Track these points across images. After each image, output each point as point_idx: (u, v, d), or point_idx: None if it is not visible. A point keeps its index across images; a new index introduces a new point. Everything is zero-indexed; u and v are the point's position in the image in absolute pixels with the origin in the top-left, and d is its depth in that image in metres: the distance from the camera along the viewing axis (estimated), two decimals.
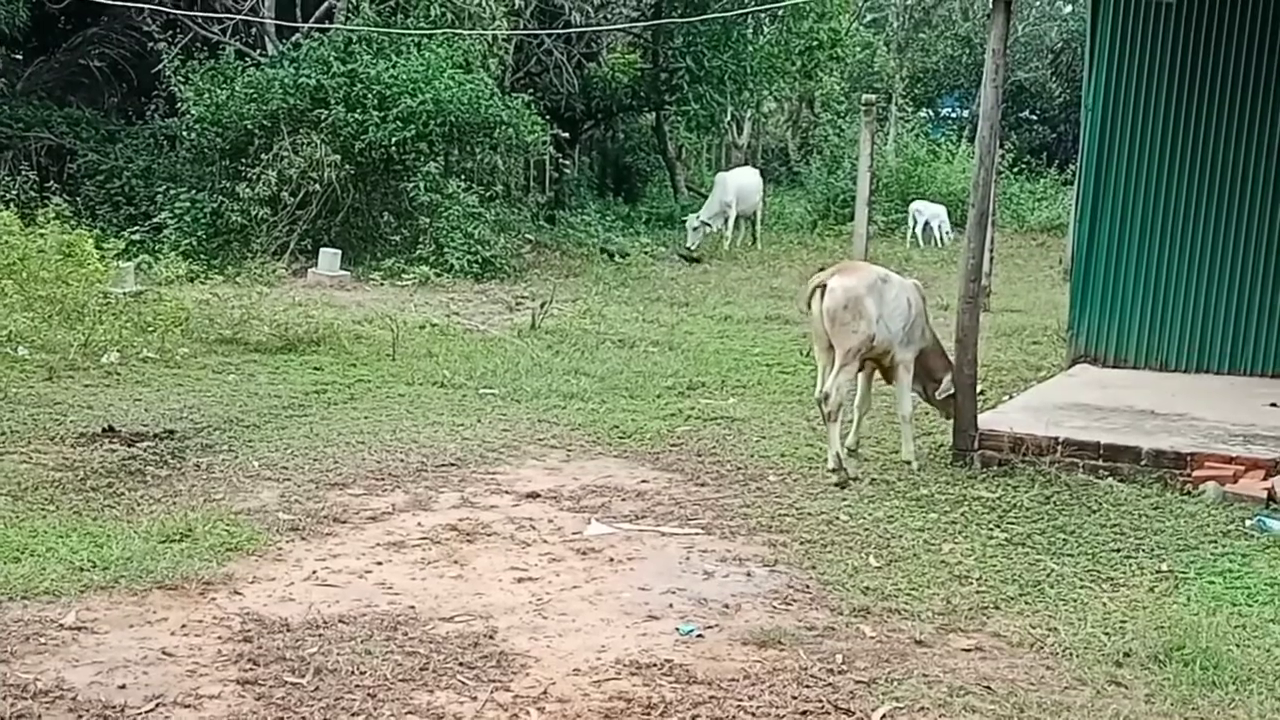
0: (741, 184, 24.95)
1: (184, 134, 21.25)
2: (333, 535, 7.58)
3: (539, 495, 8.53)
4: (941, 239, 26.70)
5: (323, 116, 19.97)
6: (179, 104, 21.04)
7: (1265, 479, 8.67)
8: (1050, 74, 39.33)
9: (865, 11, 39.08)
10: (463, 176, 21.06)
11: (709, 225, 24.18)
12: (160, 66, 21.71)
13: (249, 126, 20.28)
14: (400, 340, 13.81)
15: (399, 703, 5.32)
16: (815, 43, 28.52)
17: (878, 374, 9.81)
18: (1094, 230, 12.48)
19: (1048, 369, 13.21)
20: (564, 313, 16.42)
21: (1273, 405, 10.68)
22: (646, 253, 23.26)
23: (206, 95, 20.49)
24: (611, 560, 7.27)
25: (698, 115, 27.64)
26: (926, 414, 10.46)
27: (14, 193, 18.55)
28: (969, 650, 6.04)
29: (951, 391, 9.58)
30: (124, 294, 14.45)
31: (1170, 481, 8.78)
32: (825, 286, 9.08)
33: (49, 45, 24.18)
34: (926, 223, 27.01)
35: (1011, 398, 11.39)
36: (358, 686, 5.45)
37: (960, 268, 10.06)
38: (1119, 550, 7.57)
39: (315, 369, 12.72)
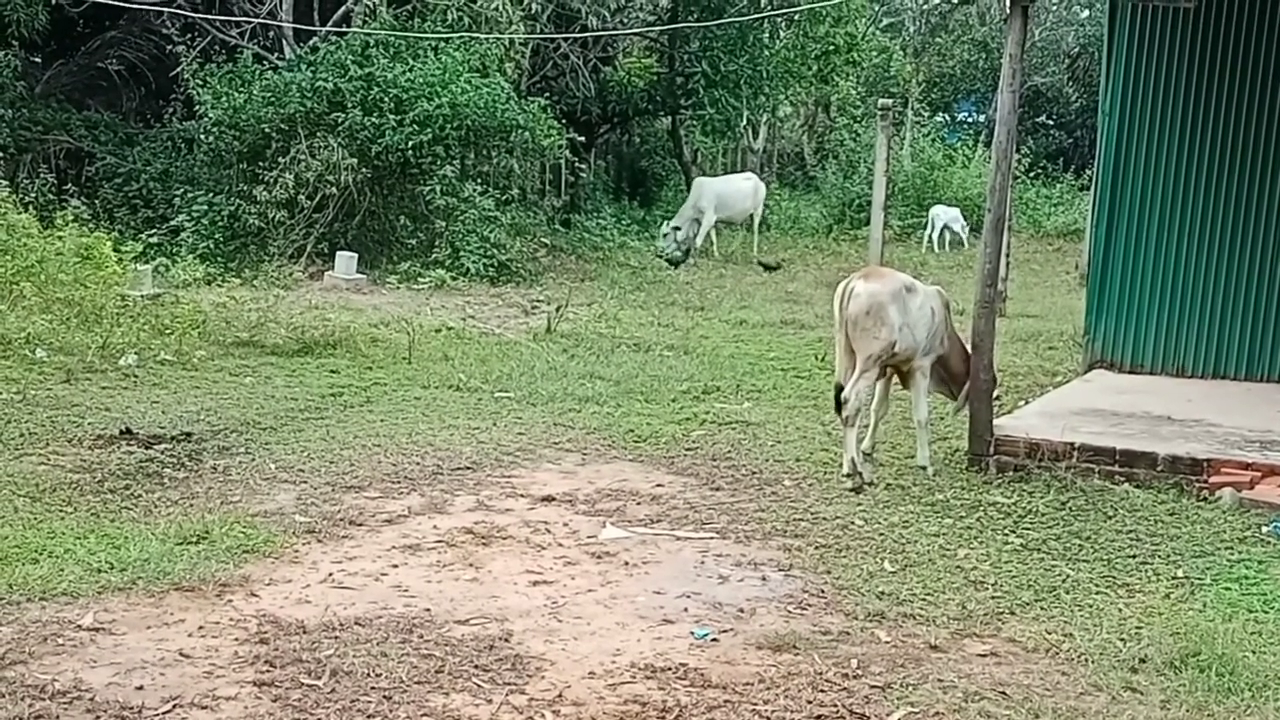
0: (723, 190, 24.79)
1: (201, 137, 21.31)
2: (349, 538, 7.61)
3: (554, 499, 8.54)
4: (963, 240, 26.67)
5: (340, 120, 20.02)
6: (197, 107, 21.08)
7: None
8: (1067, 79, 39.26)
9: (881, 16, 39.04)
10: (479, 180, 21.09)
11: (678, 230, 24.08)
12: (178, 70, 21.77)
13: (266, 130, 20.33)
14: (416, 343, 13.84)
15: (414, 705, 5.34)
16: (831, 47, 28.49)
17: (896, 379, 9.81)
18: (1110, 235, 12.46)
19: (1064, 374, 13.18)
20: (579, 316, 16.44)
21: None
22: (662, 256, 23.29)
23: (224, 98, 20.54)
24: (626, 564, 7.29)
25: (713, 120, 27.62)
26: (943, 419, 10.45)
27: (33, 195, 18.60)
28: (984, 655, 6.04)
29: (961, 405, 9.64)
30: (141, 297, 14.50)
31: (1186, 487, 8.76)
32: (851, 291, 9.07)
33: (67, 49, 24.26)
34: (946, 226, 26.97)
35: (1027, 403, 11.37)
36: (373, 689, 5.47)
37: (976, 273, 10.05)
38: (1135, 556, 7.56)
39: (332, 372, 12.76)
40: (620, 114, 28.77)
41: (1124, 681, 5.72)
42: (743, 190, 25.05)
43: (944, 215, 27.08)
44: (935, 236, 26.93)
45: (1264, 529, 8.04)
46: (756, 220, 25.31)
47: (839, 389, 9.14)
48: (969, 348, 9.69)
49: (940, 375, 9.67)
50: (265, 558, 7.14)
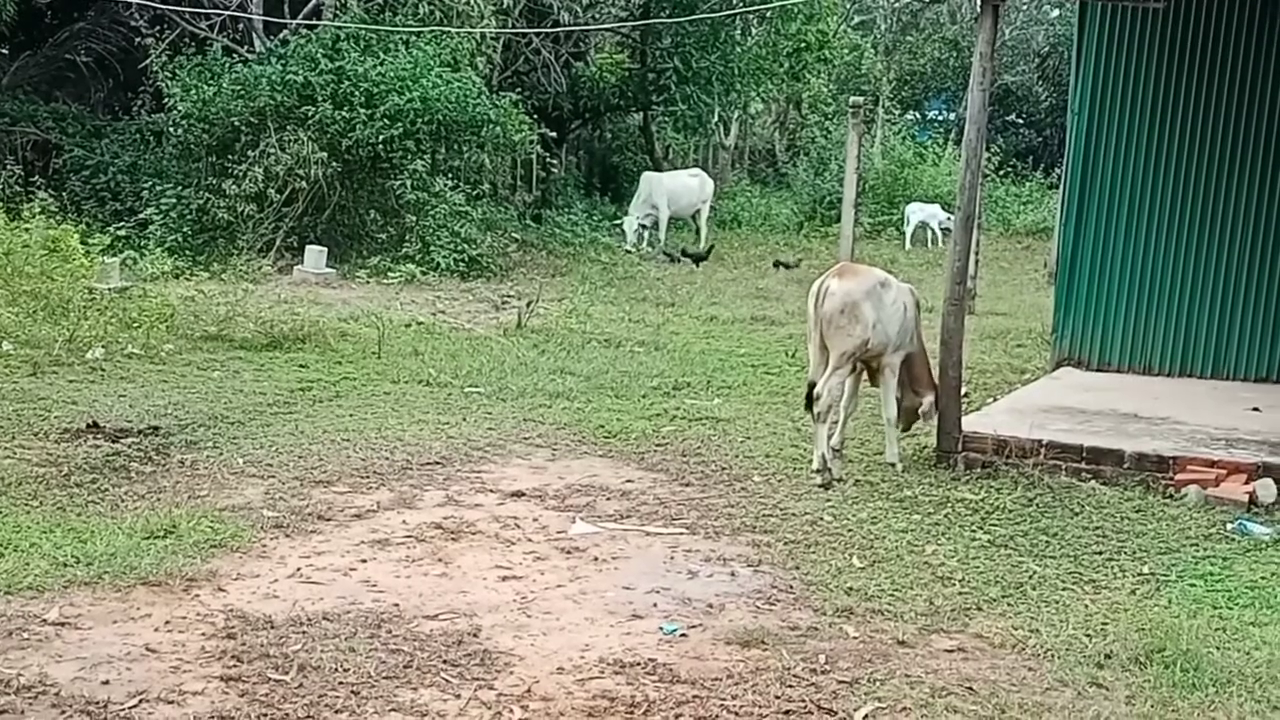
0: (672, 186, 24.94)
1: (170, 130, 21.19)
2: (317, 533, 7.58)
3: (524, 494, 8.54)
4: (937, 237, 26.77)
5: (310, 113, 19.94)
6: (166, 100, 20.96)
7: (1247, 483, 8.73)
8: (1037, 78, 39.41)
9: (853, 14, 39.06)
10: (450, 175, 21.03)
11: (644, 226, 24.20)
12: (147, 62, 21.63)
13: (236, 123, 20.24)
14: (386, 338, 13.80)
15: (382, 700, 5.33)
16: (803, 44, 28.57)
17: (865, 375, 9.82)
18: (1079, 234, 12.53)
19: (1032, 372, 13.25)
20: (550, 312, 16.43)
21: (1255, 409, 10.74)
22: (630, 252, 23.31)
23: (193, 91, 20.43)
24: (596, 559, 7.29)
25: (685, 116, 27.64)
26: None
27: None
28: (951, 651, 6.07)
29: (932, 414, 9.59)
30: (109, 290, 14.42)
31: (1152, 485, 8.82)
32: (826, 289, 9.08)
33: (35, 40, 24.07)
34: (923, 223, 27.02)
35: (995, 400, 11.43)
36: (341, 684, 5.46)
37: (946, 270, 10.09)
38: (1101, 553, 7.61)
39: (300, 366, 12.71)
40: (592, 109, 28.75)
41: (1090, 677, 5.76)
42: (689, 186, 25.27)
43: (920, 212, 27.13)
44: (911, 233, 26.99)
45: (1228, 526, 8.10)
46: (704, 216, 25.40)
47: (812, 386, 9.14)
48: (927, 353, 9.73)
49: (901, 376, 9.65)
50: (233, 552, 7.11)
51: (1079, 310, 12.55)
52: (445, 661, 5.74)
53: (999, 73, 33.86)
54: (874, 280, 9.30)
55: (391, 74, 20.41)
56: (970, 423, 9.73)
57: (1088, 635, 6.24)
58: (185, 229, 19.60)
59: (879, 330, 9.15)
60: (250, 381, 11.87)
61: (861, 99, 17.94)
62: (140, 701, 5.24)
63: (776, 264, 22.96)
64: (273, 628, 6.06)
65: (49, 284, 13.72)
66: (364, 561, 7.10)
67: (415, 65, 20.62)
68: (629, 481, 8.97)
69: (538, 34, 25.48)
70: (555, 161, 26.88)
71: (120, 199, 20.95)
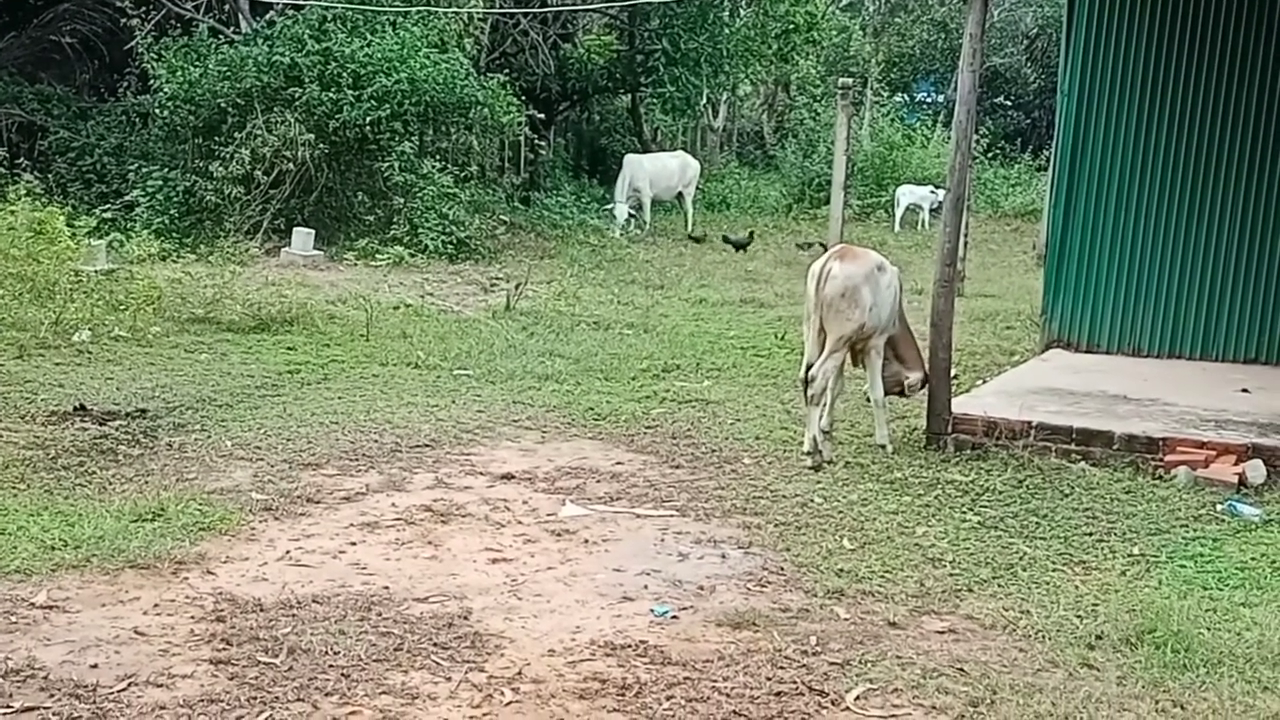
0: (653, 168, 24.97)
1: (156, 111, 21.07)
2: (306, 515, 7.56)
3: (513, 476, 8.52)
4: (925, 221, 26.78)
5: (297, 95, 19.84)
6: (151, 81, 20.85)
7: (1236, 464, 8.73)
8: (1025, 59, 39.39)
9: None
10: (437, 157, 20.97)
11: (632, 214, 24.23)
12: (133, 43, 21.51)
13: (222, 104, 20.14)
14: (374, 321, 13.77)
15: (373, 683, 5.32)
16: (791, 26, 28.47)
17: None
18: (1068, 216, 12.52)
19: (1021, 354, 13.24)
20: (539, 294, 16.38)
21: (1244, 390, 10.75)
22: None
23: (179, 73, 20.32)
24: (586, 542, 7.28)
25: (673, 98, 27.56)
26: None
27: None
28: (942, 632, 6.07)
29: (919, 388, 9.60)
30: (96, 272, 14.34)
31: (1142, 466, 8.82)
32: (828, 272, 9.06)
33: (20, 21, 23.93)
34: (914, 205, 26.99)
35: (985, 382, 11.43)
36: (331, 666, 5.44)
37: (936, 252, 10.08)
38: (1091, 534, 7.61)
39: (288, 349, 12.67)
40: (580, 91, 28.67)
41: (1080, 658, 5.77)
42: (669, 168, 25.30)
43: (910, 195, 27.09)
44: (900, 215, 26.97)
45: (1218, 507, 8.11)
46: (689, 198, 25.41)
47: (809, 368, 9.13)
48: (913, 333, 9.72)
49: (888, 356, 9.64)
50: (222, 535, 7.09)
51: (1068, 292, 12.55)
52: (435, 644, 5.73)
53: (987, 54, 33.83)
54: (873, 264, 9.30)
55: (379, 55, 20.31)
56: (960, 404, 9.73)
57: (1078, 616, 6.25)
58: (172, 211, 19.52)
59: (874, 313, 9.16)
60: (238, 364, 11.83)
61: (850, 81, 17.88)
62: (129, 685, 5.22)
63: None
64: (262, 610, 6.04)
65: (35, 266, 13.63)
66: (353, 544, 7.09)
67: (402, 46, 20.52)
68: (619, 464, 8.96)
69: (525, 15, 25.38)
70: (543, 143, 26.82)
71: (106, 181, 20.88)
